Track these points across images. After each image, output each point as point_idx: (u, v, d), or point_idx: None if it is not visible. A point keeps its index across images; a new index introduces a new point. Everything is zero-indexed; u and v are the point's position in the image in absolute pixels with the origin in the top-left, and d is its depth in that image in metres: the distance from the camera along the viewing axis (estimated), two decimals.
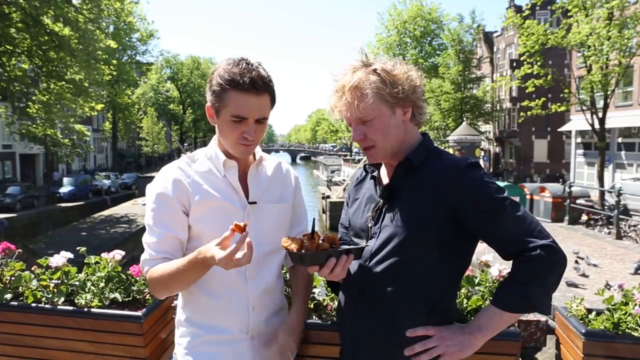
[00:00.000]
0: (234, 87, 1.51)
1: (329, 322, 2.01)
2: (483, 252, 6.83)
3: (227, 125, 1.56)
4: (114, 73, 30.12)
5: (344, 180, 37.87)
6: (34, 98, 20.67)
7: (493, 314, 1.44)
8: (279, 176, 1.80)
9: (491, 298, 1.45)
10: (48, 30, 18.60)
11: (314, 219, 1.46)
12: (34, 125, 22.28)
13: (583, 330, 1.89)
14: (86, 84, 21.12)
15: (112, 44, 24.18)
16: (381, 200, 1.54)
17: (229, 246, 1.35)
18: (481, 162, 35.19)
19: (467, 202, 1.41)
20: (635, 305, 1.89)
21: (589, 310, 2.04)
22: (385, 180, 1.60)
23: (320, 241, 1.38)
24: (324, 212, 27.29)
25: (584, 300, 2.12)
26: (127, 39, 37.41)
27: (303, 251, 1.35)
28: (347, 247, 1.44)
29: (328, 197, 27.00)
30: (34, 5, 17.40)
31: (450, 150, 22.27)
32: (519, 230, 1.39)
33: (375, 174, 1.65)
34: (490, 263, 2.18)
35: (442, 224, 1.42)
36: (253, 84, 1.51)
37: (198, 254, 1.44)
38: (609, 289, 2.11)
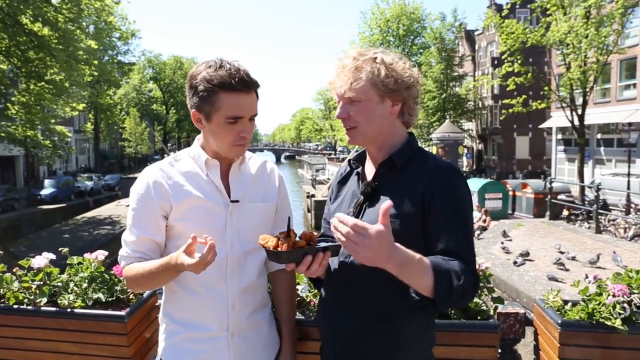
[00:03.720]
0: (225, 89, 1.51)
1: (312, 318, 2.04)
2: None
3: (222, 128, 1.57)
4: (95, 73, 29.68)
5: (328, 179, 37.90)
6: (13, 99, 20.29)
7: (423, 269, 1.30)
8: (263, 175, 1.80)
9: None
10: (27, 30, 18.27)
11: (289, 217, 1.49)
12: (14, 127, 21.87)
13: (559, 321, 1.94)
14: (67, 85, 20.80)
15: (93, 44, 23.74)
16: (362, 197, 1.57)
17: (194, 251, 1.40)
18: (464, 159, 35.64)
19: (438, 199, 1.44)
20: (609, 295, 1.95)
21: (565, 302, 2.09)
22: (369, 177, 1.63)
23: (297, 239, 1.41)
24: (308, 210, 27.28)
25: (564, 293, 2.17)
26: (108, 38, 36.88)
27: (279, 249, 1.38)
28: (324, 244, 1.46)
29: (313, 195, 26.99)
30: (12, 4, 17.08)
31: (434, 148, 22.47)
32: (463, 246, 1.42)
33: (359, 170, 1.67)
34: None
35: (421, 221, 1.46)
36: (244, 83, 1.53)
37: (170, 260, 1.46)
38: (585, 281, 2.17)
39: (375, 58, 1.51)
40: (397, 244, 1.26)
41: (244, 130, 1.59)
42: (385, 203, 1.19)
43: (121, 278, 2.23)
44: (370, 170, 1.65)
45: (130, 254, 1.62)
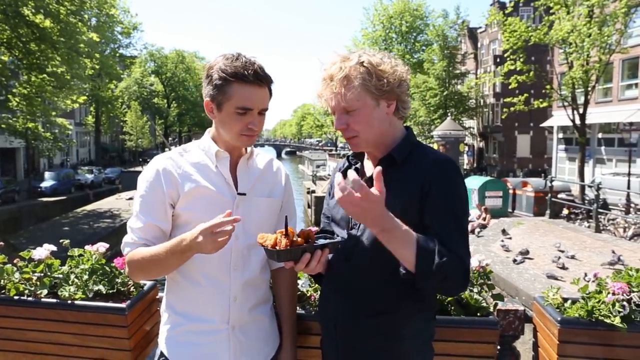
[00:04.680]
0: (238, 79, 1.56)
1: (313, 313, 2.04)
2: None
3: (231, 118, 1.60)
4: (97, 66, 29.68)
5: (329, 174, 37.86)
6: (14, 90, 20.27)
7: (407, 240, 1.34)
8: (270, 172, 1.83)
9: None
10: (28, 22, 18.22)
11: (285, 216, 1.49)
12: (15, 119, 21.86)
13: (558, 318, 1.94)
14: (68, 77, 20.77)
15: (95, 36, 23.71)
16: None
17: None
18: (465, 157, 35.63)
19: (433, 191, 1.44)
20: (608, 293, 1.95)
21: (565, 299, 2.09)
22: (368, 172, 1.63)
23: (296, 237, 1.41)
24: (309, 206, 27.32)
25: (562, 291, 2.18)
26: (109, 31, 36.82)
27: (277, 247, 1.38)
28: (322, 241, 1.47)
29: (313, 191, 27.00)
30: None
31: (435, 146, 22.44)
32: (458, 238, 1.42)
33: (358, 165, 1.67)
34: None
35: (421, 215, 1.46)
36: (257, 76, 1.57)
37: (181, 241, 1.47)
38: (585, 280, 2.17)
39: (363, 62, 1.48)
40: (388, 212, 1.31)
41: (252, 123, 1.61)
42: (377, 168, 1.29)
43: (122, 270, 2.23)
44: (369, 165, 1.65)
45: (136, 241, 1.62)
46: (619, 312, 1.88)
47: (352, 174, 1.29)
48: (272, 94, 1.66)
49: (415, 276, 1.36)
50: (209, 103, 1.64)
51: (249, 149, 1.75)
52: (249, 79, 1.56)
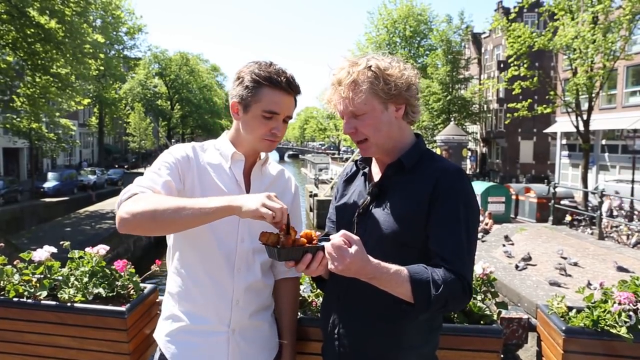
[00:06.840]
0: (270, 84, 1.61)
1: (314, 318, 2.02)
2: None
3: (256, 121, 1.64)
4: (101, 67, 29.76)
5: (331, 178, 37.91)
6: (18, 91, 20.33)
7: (397, 280, 1.34)
8: (281, 180, 1.85)
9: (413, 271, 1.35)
10: (34, 23, 18.29)
11: (288, 215, 1.47)
12: (19, 119, 21.92)
13: (563, 328, 1.92)
14: (72, 78, 20.82)
15: (100, 38, 23.81)
16: (369, 197, 1.56)
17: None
18: (468, 162, 35.58)
19: (440, 202, 1.43)
20: (614, 303, 1.92)
21: (570, 308, 2.08)
22: (376, 177, 1.62)
23: (298, 237, 1.39)
24: (311, 210, 27.31)
25: (566, 299, 2.15)
26: (114, 33, 36.96)
27: (279, 246, 1.36)
28: (325, 243, 1.45)
29: (315, 195, 27.01)
30: None
31: (438, 150, 22.44)
32: (457, 250, 1.40)
33: (366, 170, 1.66)
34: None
35: (426, 222, 1.45)
36: (289, 84, 1.63)
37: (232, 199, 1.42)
38: (590, 288, 2.14)
39: (370, 66, 1.49)
40: (371, 260, 1.30)
41: (276, 128, 1.65)
42: (340, 235, 1.30)
43: (122, 273, 2.22)
44: (377, 170, 1.64)
45: (153, 187, 1.53)
46: (625, 322, 1.86)
47: (332, 242, 1.29)
48: (297, 105, 1.70)
49: (416, 308, 1.36)
50: (235, 104, 1.67)
51: (263, 155, 1.77)
52: (281, 85, 1.61)
